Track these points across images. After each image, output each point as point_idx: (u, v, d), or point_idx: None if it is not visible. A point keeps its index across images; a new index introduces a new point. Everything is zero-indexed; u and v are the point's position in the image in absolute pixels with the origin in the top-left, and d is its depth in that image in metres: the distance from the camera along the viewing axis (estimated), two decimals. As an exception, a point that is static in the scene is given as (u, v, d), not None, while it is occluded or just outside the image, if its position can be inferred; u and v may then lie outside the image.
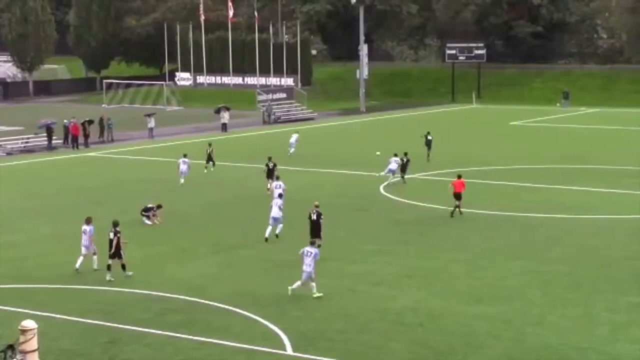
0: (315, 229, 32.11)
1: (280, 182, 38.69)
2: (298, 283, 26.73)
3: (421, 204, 41.49)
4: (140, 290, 27.44)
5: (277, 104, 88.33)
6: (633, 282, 27.90)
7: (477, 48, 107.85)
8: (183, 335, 23.11)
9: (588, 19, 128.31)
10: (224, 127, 75.58)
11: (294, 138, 59.19)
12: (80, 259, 29.73)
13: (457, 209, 38.60)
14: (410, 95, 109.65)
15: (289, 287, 26.79)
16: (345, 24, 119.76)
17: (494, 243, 33.65)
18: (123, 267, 29.06)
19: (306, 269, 26.62)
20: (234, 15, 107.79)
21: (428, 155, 55.80)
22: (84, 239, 29.73)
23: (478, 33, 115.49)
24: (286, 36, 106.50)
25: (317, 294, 26.54)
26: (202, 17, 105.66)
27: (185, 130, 76.23)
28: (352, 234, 35.44)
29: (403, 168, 47.75)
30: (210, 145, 53.22)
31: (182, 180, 47.32)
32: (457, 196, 38.64)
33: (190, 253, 32.38)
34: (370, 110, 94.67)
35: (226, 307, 25.60)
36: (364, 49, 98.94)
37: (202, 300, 26.25)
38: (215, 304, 25.90)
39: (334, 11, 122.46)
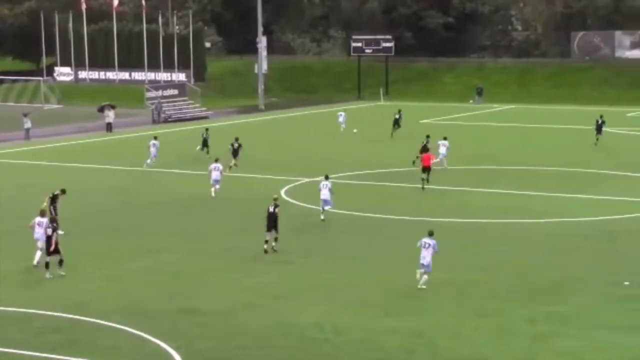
0: (271, 221, 33.53)
1: (327, 182, 39.70)
2: (425, 278, 28.59)
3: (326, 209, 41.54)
4: (15, 308, 26.88)
5: (168, 102, 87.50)
6: (552, 291, 28.44)
7: (385, 40, 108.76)
8: (64, 357, 22.70)
9: (502, 9, 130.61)
10: (109, 126, 74.66)
11: (342, 117, 72.20)
12: (38, 254, 31.06)
13: (425, 181, 44.69)
14: (313, 92, 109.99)
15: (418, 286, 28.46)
16: (242, 14, 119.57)
17: (405, 251, 33.82)
18: (60, 262, 30.13)
19: (423, 261, 28.71)
20: (120, 3, 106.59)
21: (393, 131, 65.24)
22: (38, 232, 30.92)
23: (386, 24, 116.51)
24: (177, 27, 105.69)
25: (423, 286, 28.50)
26: (84, 6, 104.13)
27: (66, 131, 75.06)
28: (250, 243, 35.26)
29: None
30: (207, 130, 59.00)
31: (148, 162, 53.16)
32: (426, 169, 45.26)
33: (72, 266, 31.80)
34: (270, 107, 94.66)
35: (112, 324, 25.25)
36: (262, 42, 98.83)
37: (86, 318, 25.84)
38: (101, 321, 25.53)
39: (229, 0, 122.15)
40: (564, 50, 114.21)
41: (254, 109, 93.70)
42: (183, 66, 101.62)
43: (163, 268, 31.71)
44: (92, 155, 59.93)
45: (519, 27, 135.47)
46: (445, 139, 54.90)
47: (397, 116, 68.86)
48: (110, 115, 75.19)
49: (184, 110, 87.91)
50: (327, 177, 40.22)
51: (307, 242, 35.54)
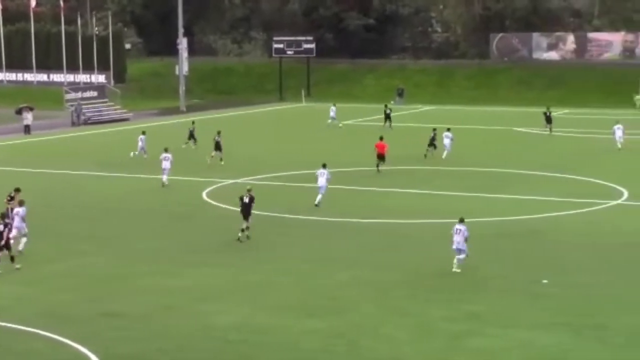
0: (246, 211, 35.53)
1: (325, 171, 42.68)
2: (460, 258, 30.55)
3: (247, 211, 41.52)
4: None
5: (87, 104, 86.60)
6: (469, 290, 28.82)
7: (306, 42, 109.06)
8: (-19, 363, 22.43)
9: (422, 11, 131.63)
10: (27, 129, 73.70)
11: (333, 111, 76.66)
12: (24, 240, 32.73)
13: (378, 166, 50.33)
14: (234, 93, 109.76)
15: (453, 270, 30.41)
16: (163, 16, 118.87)
17: (326, 252, 34.10)
18: (12, 259, 30.97)
19: (456, 246, 30.57)
20: (37, 4, 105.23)
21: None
22: (16, 221, 32.74)
23: (307, 26, 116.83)
24: (96, 28, 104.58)
25: (457, 269, 30.41)
26: (0, 6, 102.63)
27: (-17, 133, 73.92)
28: (172, 245, 35.22)
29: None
30: (193, 123, 63.78)
31: (134, 153, 56.55)
32: (381, 157, 50.82)
33: (-11, 271, 31.43)
34: (191, 109, 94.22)
35: (30, 329, 24.95)
36: (183, 43, 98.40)
37: (3, 323, 25.49)
38: (17, 326, 25.21)
39: (149, 1, 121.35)
40: (483, 51, 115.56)
41: (175, 111, 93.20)
42: (102, 68, 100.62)
43: (83, 271, 31.46)
44: (11, 158, 59.17)
45: (439, 29, 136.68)
46: (448, 130, 59.00)
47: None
48: (28, 118, 74.21)
49: (103, 112, 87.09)
50: (324, 166, 42.84)
51: (228, 244, 35.51)
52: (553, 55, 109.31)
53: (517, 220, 39.42)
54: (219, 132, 56.59)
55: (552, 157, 58.79)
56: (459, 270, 30.54)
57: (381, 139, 53.12)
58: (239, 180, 49.50)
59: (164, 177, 48.14)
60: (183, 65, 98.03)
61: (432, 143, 57.98)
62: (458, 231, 30.94)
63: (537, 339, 24.18)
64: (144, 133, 59.53)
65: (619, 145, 62.31)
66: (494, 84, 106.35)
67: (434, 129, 59.15)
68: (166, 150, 48.96)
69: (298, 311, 26.76)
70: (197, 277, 30.68)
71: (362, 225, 38.80)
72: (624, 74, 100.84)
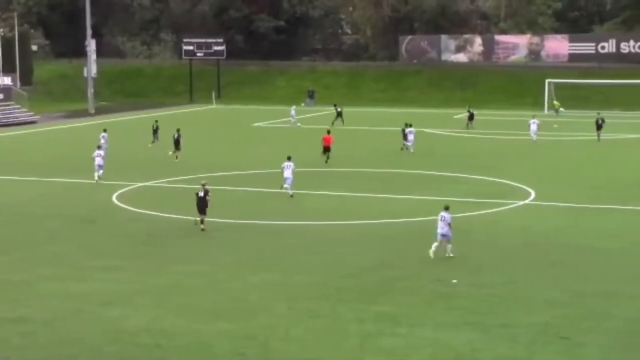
0: (201, 205, 37.13)
1: (291, 163, 45.12)
2: (434, 245, 32.41)
3: (157, 213, 41.25)
4: None
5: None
6: (381, 291, 28.92)
7: (217, 44, 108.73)
8: None
9: (332, 13, 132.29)
10: None
11: (293, 110, 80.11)
12: None
13: (326, 157, 54.50)
14: (144, 95, 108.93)
15: (430, 251, 32.44)
16: (70, 17, 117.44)
17: (237, 254, 33.95)
18: None
19: (440, 231, 32.50)
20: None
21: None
22: None
23: (217, 28, 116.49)
24: (1, 30, 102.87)
25: (451, 254, 32.37)
26: None
27: None
28: (78, 249, 34.73)
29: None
30: (156, 121, 66.37)
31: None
32: (326, 149, 55.09)
33: None
34: (100, 111, 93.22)
35: None
36: (91, 44, 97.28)
37: None
38: None
39: (56, 2, 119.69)
40: (393, 53, 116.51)
41: (84, 113, 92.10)
42: (8, 70, 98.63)
43: (-12, 277, 30.81)
44: None
45: (349, 31, 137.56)
46: (410, 125, 62.87)
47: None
48: None
49: (10, 115, 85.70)
50: (289, 158, 45.02)
51: (136, 247, 35.14)
52: (461, 57, 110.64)
53: (426, 221, 39.62)
54: (178, 130, 58.78)
55: (461, 158, 59.46)
56: (452, 255, 32.52)
57: (328, 132, 57.89)
58: (148, 183, 49.10)
59: (99, 173, 49.47)
60: (91, 67, 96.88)
61: (405, 137, 62.38)
62: (443, 218, 32.57)
63: (446, 338, 24.36)
64: (105, 131, 61.27)
65: (534, 138, 66.56)
66: (403, 86, 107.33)
67: (408, 125, 63.30)
68: (99, 148, 50.63)
69: (209, 314, 26.56)
70: (103, 281, 30.25)
71: (274, 227, 38.72)
72: (529, 75, 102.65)
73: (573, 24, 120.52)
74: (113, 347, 23.86)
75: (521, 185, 48.09)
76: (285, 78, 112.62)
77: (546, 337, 24.43)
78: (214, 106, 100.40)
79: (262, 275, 30.81)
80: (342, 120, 78.89)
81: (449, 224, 32.54)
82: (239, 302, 27.85)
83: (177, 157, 57.52)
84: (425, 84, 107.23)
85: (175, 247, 35.09)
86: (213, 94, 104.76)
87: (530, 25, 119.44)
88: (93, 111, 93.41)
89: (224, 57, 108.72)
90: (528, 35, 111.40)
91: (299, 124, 77.87)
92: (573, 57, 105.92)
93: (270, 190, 47.07)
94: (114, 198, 45.11)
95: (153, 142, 64.28)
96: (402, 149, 61.99)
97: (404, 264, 32.37)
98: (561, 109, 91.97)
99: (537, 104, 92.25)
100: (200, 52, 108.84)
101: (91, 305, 27.43)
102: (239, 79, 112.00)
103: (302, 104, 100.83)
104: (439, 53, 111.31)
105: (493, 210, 42.24)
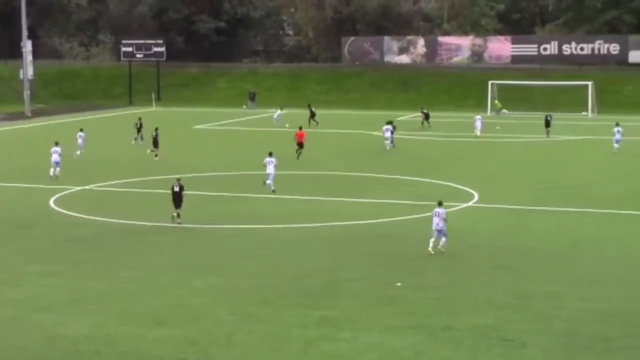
0: (177, 200, 38.88)
1: (273, 159, 47.31)
2: (432, 240, 33.54)
3: (97, 218, 40.92)
4: None
5: None
6: (323, 295, 28.93)
7: (156, 45, 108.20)
8: None
9: (274, 14, 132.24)
10: None
11: (277, 114, 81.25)
12: None
13: (299, 153, 57.62)
14: (82, 97, 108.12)
15: (429, 249, 33.41)
16: (5, 17, 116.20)
17: (180, 259, 33.79)
18: None
19: (436, 227, 33.62)
20: None
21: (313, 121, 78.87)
22: None
23: (156, 29, 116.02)
24: None
25: (443, 249, 33.63)
26: None
27: None
28: (14, 254, 34.35)
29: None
30: (140, 119, 68.47)
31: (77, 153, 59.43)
32: (300, 145, 58.06)
33: None
34: (37, 114, 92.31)
35: None
36: (27, 46, 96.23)
37: None
38: None
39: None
40: (335, 55, 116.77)
41: (20, 116, 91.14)
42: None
43: None
44: None
45: (291, 32, 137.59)
46: (389, 123, 65.50)
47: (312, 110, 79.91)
48: None
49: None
50: (270, 154, 47.08)
51: (75, 252, 34.82)
52: (404, 58, 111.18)
53: (370, 224, 39.85)
54: (156, 129, 60.71)
55: (405, 161, 59.75)
56: (443, 250, 33.76)
57: (300, 128, 61.15)
58: (87, 187, 48.71)
59: (55, 171, 50.88)
60: (28, 68, 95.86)
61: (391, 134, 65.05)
62: (437, 214, 33.78)
63: (390, 342, 24.44)
64: (81, 130, 62.38)
65: (478, 134, 70.57)
66: (346, 87, 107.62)
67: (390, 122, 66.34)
68: (56, 144, 51.41)
69: (150, 320, 26.39)
70: (39, 286, 29.92)
71: (217, 231, 38.59)
72: (472, 77, 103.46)
73: (515, 25, 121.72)
74: (52, 354, 23.63)
75: (465, 188, 48.45)
76: (226, 80, 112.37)
77: (489, 339, 24.61)
78: (153, 108, 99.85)
79: (204, 280, 30.70)
80: (316, 121, 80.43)
81: (444, 219, 33.79)
82: (180, 307, 27.72)
83: (156, 156, 59.31)
84: (368, 86, 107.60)
85: (115, 252, 34.83)
86: (153, 96, 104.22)
87: (473, 27, 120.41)
88: (30, 114, 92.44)
89: (164, 58, 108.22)
90: (471, 37, 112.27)
91: (287, 125, 78.13)
92: (516, 59, 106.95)
93: (216, 193, 46.88)
94: (51, 202, 44.67)
95: (136, 139, 66.94)
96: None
97: (349, 267, 32.43)
98: (504, 110, 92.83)
99: (480, 105, 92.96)
100: (140, 54, 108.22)
101: (28, 312, 27.13)
102: (179, 80, 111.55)
103: (244, 106, 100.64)
104: (382, 54, 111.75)
105: (436, 212, 42.45)
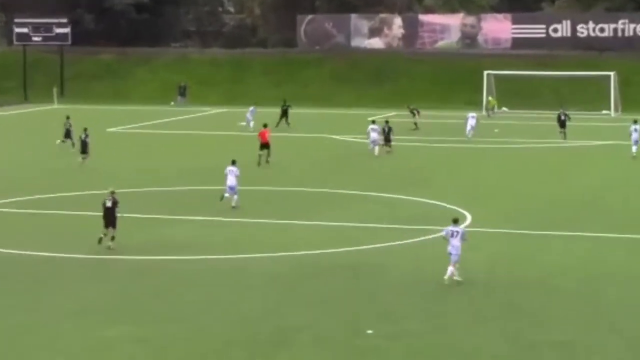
0: (109, 217, 39.41)
1: (234, 168, 49.06)
2: (450, 269, 34.29)
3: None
4: None
5: None
6: (275, 344, 28.78)
7: (59, 25, 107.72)
8: None
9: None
10: None
11: (250, 112, 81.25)
12: None
13: (261, 158, 60.33)
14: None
15: (444, 277, 34.19)
16: None
17: (85, 300, 33.42)
18: None
19: (453, 251, 34.35)
20: None
21: None
22: None
23: (59, 5, 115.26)
24: None
25: (459, 278, 34.32)
26: None
27: None
28: None
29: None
30: (68, 118, 69.29)
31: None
32: (265, 146, 61.06)
33: None
34: None
35: None
36: None
37: None
38: None
39: None
40: (289, 38, 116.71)
41: None
42: None
43: None
44: None
45: (232, 9, 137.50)
46: (373, 122, 68.59)
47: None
48: None
49: None
50: (233, 162, 49.08)
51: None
52: (376, 42, 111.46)
53: (334, 254, 39.68)
54: (85, 130, 62.53)
55: (382, 173, 59.78)
56: (460, 279, 34.46)
57: (264, 126, 63.72)
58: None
59: None
60: None
61: (387, 138, 67.47)
62: (455, 234, 34.65)
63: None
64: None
65: (469, 135, 72.97)
66: (302, 80, 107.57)
67: (386, 122, 69.51)
68: None
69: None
70: None
71: (140, 264, 38.32)
72: (463, 66, 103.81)
73: (517, 1, 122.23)
74: None
75: (454, 207, 48.44)
76: (148, 69, 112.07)
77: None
78: (55, 106, 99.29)
79: (119, 328, 30.41)
80: (288, 120, 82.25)
81: (464, 239, 34.76)
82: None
83: (82, 160, 61.50)
84: (330, 78, 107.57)
85: (5, 291, 34.45)
86: (55, 90, 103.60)
87: (463, 3, 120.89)
88: None
89: (69, 42, 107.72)
90: (461, 15, 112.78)
91: (244, 125, 79.60)
92: (517, 43, 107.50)
93: (140, 215, 46.52)
94: None
95: (64, 141, 68.12)
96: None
97: (307, 309, 32.24)
98: (503, 108, 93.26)
99: (474, 102, 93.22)
100: (38, 36, 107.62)
101: None
102: (89, 70, 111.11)
103: (172, 103, 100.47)
104: (348, 37, 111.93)
105: (418, 239, 42.39)
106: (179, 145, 72.74)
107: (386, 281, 35.35)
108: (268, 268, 37.88)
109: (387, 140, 67.40)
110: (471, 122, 73.56)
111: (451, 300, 33.41)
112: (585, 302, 33.66)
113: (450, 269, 34.29)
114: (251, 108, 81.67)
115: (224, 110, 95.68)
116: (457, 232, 34.66)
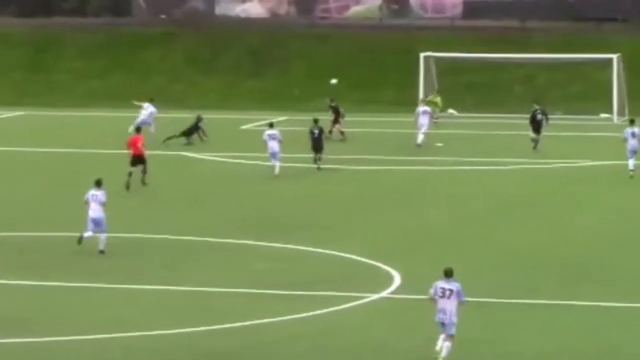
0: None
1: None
2: (447, 346, 34.23)
3: None
4: None
5: None
6: None
7: None
8: None
9: None
10: None
11: (148, 112, 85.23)
12: None
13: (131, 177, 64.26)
14: None
15: (437, 348, 34.25)
16: None
17: None
18: None
19: (446, 319, 34.33)
20: None
21: None
22: None
23: None
24: None
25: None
26: None
27: None
28: None
29: None
30: None
31: None
32: (138, 159, 65.18)
33: None
34: None
35: None
36: None
37: None
38: None
39: None
40: (120, 4, 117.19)
41: None
42: None
43: None
44: None
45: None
46: (271, 125, 71.81)
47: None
48: None
49: None
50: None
51: None
52: (255, 8, 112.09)
53: (196, 334, 39.58)
54: None
55: (261, 210, 59.96)
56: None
57: (137, 130, 69.75)
58: None
59: None
60: None
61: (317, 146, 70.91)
62: (447, 293, 34.46)
63: None
64: None
65: (419, 141, 76.60)
66: (140, 65, 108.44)
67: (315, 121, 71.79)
68: None
69: None
70: None
71: None
72: (387, 44, 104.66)
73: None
74: None
75: (376, 263, 48.70)
76: None
77: None
78: None
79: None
80: (204, 133, 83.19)
81: (462, 300, 34.60)
82: None
83: None
84: (185, 63, 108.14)
85: None
86: None
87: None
88: None
89: None
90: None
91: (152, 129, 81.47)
92: (471, 9, 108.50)
93: None
94: None
95: None
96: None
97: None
98: (451, 110, 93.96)
99: (404, 100, 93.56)
100: None
101: None
102: None
103: None
104: (211, 2, 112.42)
105: (324, 311, 42.45)
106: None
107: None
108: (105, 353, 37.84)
109: (317, 148, 69.21)
110: (423, 121, 72.91)
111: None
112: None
113: (446, 344, 34.23)
114: (145, 104, 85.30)
115: (19, 113, 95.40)
116: (451, 290, 34.30)
